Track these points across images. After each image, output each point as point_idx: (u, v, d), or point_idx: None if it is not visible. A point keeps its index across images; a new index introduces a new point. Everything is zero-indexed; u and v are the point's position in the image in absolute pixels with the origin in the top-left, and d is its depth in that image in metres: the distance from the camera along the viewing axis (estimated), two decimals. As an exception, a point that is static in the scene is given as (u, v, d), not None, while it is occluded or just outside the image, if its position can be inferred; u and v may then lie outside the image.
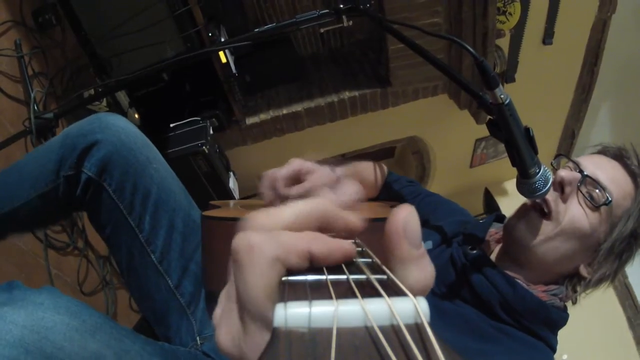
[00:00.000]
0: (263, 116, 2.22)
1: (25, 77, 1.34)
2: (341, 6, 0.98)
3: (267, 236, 0.21)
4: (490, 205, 2.85)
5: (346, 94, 2.24)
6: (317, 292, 0.19)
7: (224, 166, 1.93)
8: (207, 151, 1.69)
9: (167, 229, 0.84)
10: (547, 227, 0.70)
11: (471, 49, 0.65)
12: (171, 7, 1.51)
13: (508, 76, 2.38)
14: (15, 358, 0.47)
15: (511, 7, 2.17)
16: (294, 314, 0.17)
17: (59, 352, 0.51)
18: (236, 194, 1.98)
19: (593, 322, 2.38)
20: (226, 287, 0.23)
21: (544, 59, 2.40)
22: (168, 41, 1.55)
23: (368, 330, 0.17)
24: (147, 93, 1.83)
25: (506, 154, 0.66)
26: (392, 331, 0.17)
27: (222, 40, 1.76)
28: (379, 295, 0.18)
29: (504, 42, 2.24)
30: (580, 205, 0.69)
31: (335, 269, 0.22)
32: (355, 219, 0.25)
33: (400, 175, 1.05)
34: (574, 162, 0.73)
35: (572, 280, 0.72)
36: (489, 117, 0.66)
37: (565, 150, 2.97)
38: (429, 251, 0.84)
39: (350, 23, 1.01)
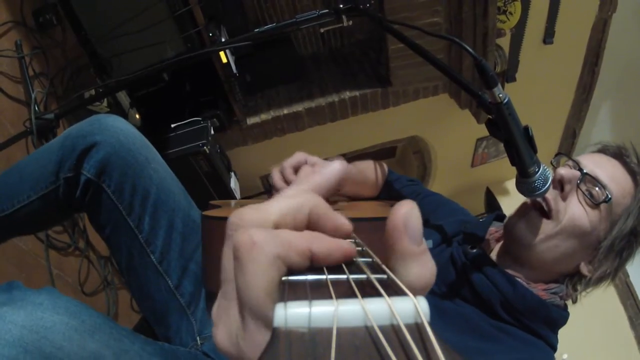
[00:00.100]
0: (264, 116, 2.22)
1: (26, 77, 1.34)
2: (341, 6, 0.98)
3: (269, 234, 0.21)
4: (492, 204, 2.85)
5: (347, 94, 2.24)
6: (317, 291, 0.19)
7: (225, 166, 1.93)
8: (208, 151, 1.69)
9: (167, 229, 0.84)
10: (547, 226, 0.70)
11: (470, 49, 0.65)
12: (171, 7, 1.51)
13: (509, 76, 2.38)
14: (14, 358, 0.47)
15: (512, 6, 2.17)
16: (294, 313, 0.17)
17: (58, 351, 0.51)
18: (237, 194, 1.98)
19: (594, 321, 2.37)
20: (223, 284, 0.23)
21: (544, 59, 2.40)
22: (168, 41, 1.55)
23: (368, 330, 0.17)
24: (147, 93, 1.83)
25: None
26: (392, 331, 0.17)
27: (223, 40, 1.76)
28: (379, 294, 0.18)
29: (504, 42, 2.24)
30: (580, 203, 0.69)
31: (335, 268, 0.21)
32: (344, 220, 0.24)
33: (401, 175, 1.05)
34: (573, 160, 0.73)
35: (573, 279, 0.72)
36: (488, 116, 0.66)
37: (567, 149, 2.97)
38: (429, 250, 0.84)
39: (350, 23, 1.01)
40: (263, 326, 0.19)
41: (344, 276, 0.21)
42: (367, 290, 0.19)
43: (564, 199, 0.70)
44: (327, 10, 1.00)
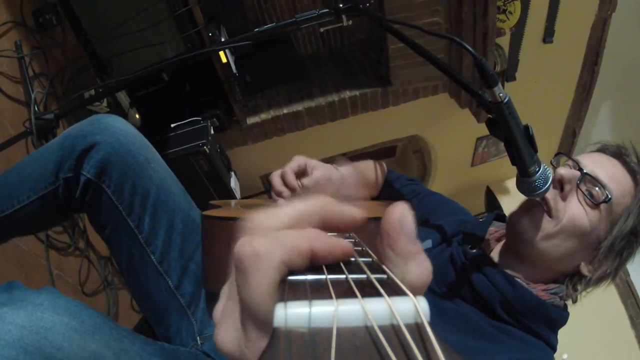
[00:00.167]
0: (264, 116, 2.22)
1: (26, 78, 1.34)
2: (341, 6, 0.98)
3: (271, 240, 0.20)
4: (492, 204, 2.85)
5: (347, 94, 2.24)
6: (317, 291, 0.19)
7: (225, 166, 1.93)
8: (208, 151, 1.69)
9: (167, 230, 0.84)
10: (547, 225, 0.70)
11: (470, 48, 0.65)
12: (171, 7, 1.51)
13: (508, 75, 2.38)
14: (14, 358, 0.47)
15: (511, 5, 2.16)
16: (294, 314, 0.17)
17: (58, 352, 0.51)
18: (237, 194, 1.98)
19: (594, 321, 2.37)
20: (227, 284, 0.23)
21: (544, 58, 2.40)
22: (168, 41, 1.55)
23: (368, 330, 0.17)
24: (147, 93, 1.83)
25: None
26: (392, 331, 0.17)
27: (222, 40, 1.76)
28: (379, 294, 0.18)
29: (504, 41, 2.24)
30: (580, 203, 0.69)
31: (335, 268, 0.21)
32: (355, 212, 0.24)
33: (400, 174, 1.05)
34: (573, 160, 0.73)
35: (573, 279, 0.72)
36: (488, 115, 0.66)
37: (567, 149, 2.97)
38: (429, 250, 0.84)
39: (350, 22, 1.01)
40: (267, 334, 0.19)
41: (344, 276, 0.21)
42: (367, 290, 0.19)
43: (564, 198, 0.70)
44: (327, 10, 1.00)
